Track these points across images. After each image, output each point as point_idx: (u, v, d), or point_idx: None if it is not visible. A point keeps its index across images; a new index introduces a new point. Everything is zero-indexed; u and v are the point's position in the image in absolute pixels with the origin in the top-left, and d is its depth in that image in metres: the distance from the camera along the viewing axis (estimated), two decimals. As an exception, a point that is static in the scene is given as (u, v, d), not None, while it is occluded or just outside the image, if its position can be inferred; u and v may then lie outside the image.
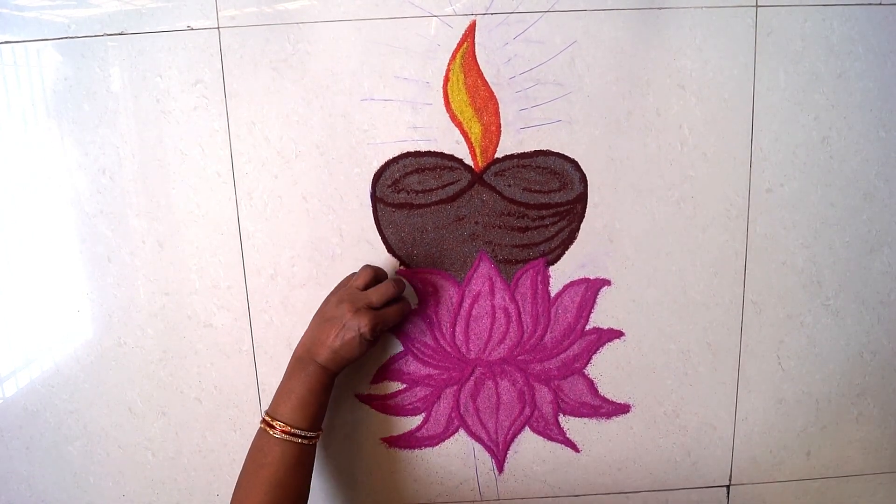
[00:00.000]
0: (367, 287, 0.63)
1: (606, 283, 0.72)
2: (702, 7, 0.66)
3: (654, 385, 0.74)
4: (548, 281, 0.71)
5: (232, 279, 0.71)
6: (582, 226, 0.70)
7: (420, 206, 0.70)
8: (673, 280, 0.72)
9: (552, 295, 0.72)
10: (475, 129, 0.68)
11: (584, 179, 0.69)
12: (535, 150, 0.69)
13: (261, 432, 0.62)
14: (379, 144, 0.68)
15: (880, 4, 0.67)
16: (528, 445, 0.75)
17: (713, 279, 0.72)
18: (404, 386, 0.73)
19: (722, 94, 0.68)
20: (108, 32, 0.66)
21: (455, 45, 0.66)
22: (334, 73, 0.67)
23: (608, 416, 0.75)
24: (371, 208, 0.70)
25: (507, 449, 0.75)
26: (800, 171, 0.70)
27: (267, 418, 0.62)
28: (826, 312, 0.73)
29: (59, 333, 0.72)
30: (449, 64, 0.67)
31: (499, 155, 0.69)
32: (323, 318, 0.63)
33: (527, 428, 0.75)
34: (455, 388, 0.73)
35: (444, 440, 0.75)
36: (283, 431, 0.61)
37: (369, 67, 0.67)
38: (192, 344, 0.72)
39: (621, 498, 0.77)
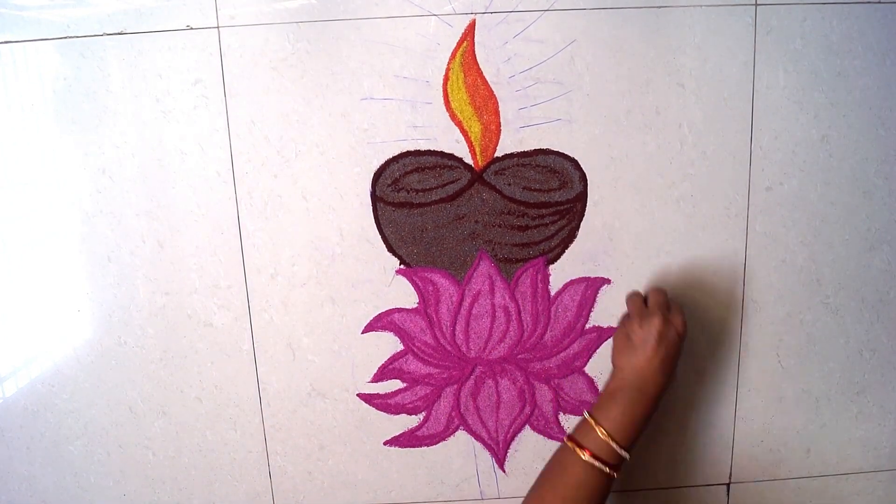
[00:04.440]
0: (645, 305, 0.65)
1: (606, 281, 0.72)
2: (701, 5, 0.66)
3: (654, 383, 0.74)
4: (548, 280, 0.71)
5: (232, 279, 0.71)
6: (582, 224, 0.70)
7: (420, 205, 0.70)
8: (673, 278, 0.72)
9: (552, 294, 0.72)
10: (475, 128, 0.68)
11: (583, 178, 0.69)
12: (534, 149, 0.69)
13: (566, 450, 0.61)
14: (379, 143, 0.68)
15: (879, 3, 0.67)
16: (529, 444, 0.75)
17: (713, 277, 0.72)
18: (404, 385, 0.73)
19: (721, 92, 0.68)
20: (108, 32, 0.66)
21: (455, 44, 0.66)
22: (334, 72, 0.67)
23: (608, 414, 0.74)
24: (371, 207, 0.70)
25: (508, 447, 0.75)
26: (799, 169, 0.70)
27: (590, 420, 0.60)
28: (826, 310, 0.73)
29: (59, 333, 0.72)
30: (448, 63, 0.67)
31: (498, 154, 0.69)
32: (630, 346, 0.62)
33: (527, 426, 0.75)
34: (455, 386, 0.74)
35: (444, 439, 0.75)
36: (591, 455, 0.59)
37: (369, 67, 0.67)
38: (193, 343, 0.72)
39: (621, 496, 0.77)
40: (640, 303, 0.66)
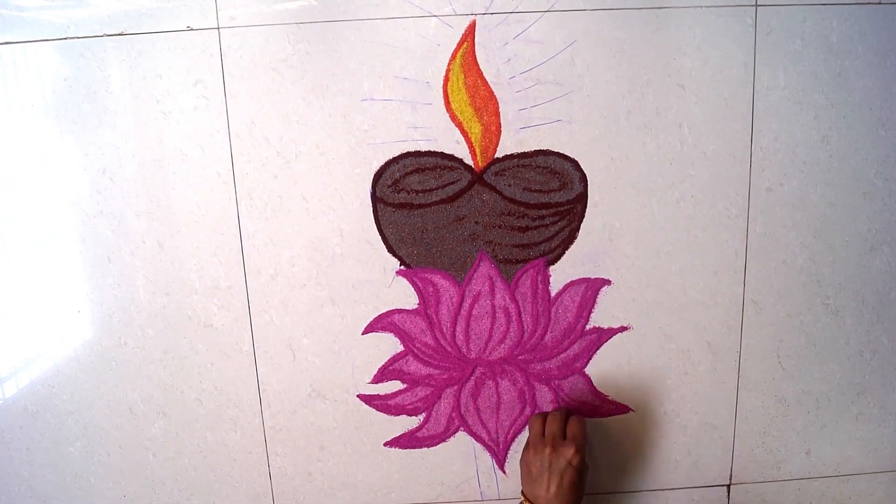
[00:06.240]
0: (543, 432, 0.66)
1: (606, 282, 0.72)
2: (701, 6, 0.66)
3: (654, 384, 0.74)
4: (548, 280, 0.71)
5: (232, 279, 0.71)
6: (582, 225, 0.70)
7: (420, 206, 0.70)
8: (673, 279, 0.72)
9: (552, 294, 0.72)
10: (475, 129, 0.68)
11: (584, 179, 0.69)
12: (535, 150, 0.69)
13: None
14: (379, 144, 0.68)
15: (879, 4, 0.67)
16: (529, 445, 0.75)
17: (713, 278, 0.72)
18: (405, 386, 0.73)
19: (722, 93, 0.68)
20: (108, 33, 0.66)
21: (455, 45, 0.66)
22: (334, 73, 0.67)
23: (608, 415, 0.75)
24: (371, 208, 0.70)
25: (508, 448, 0.75)
26: (799, 170, 0.70)
27: None
28: (826, 311, 0.73)
29: (59, 333, 0.72)
30: (449, 64, 0.67)
31: (499, 155, 0.69)
32: (531, 478, 0.65)
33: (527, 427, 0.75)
34: (455, 387, 0.73)
35: (444, 440, 0.75)
36: None
37: (369, 67, 0.67)
38: (193, 344, 0.72)
39: (622, 497, 0.77)
40: (537, 429, 0.67)
